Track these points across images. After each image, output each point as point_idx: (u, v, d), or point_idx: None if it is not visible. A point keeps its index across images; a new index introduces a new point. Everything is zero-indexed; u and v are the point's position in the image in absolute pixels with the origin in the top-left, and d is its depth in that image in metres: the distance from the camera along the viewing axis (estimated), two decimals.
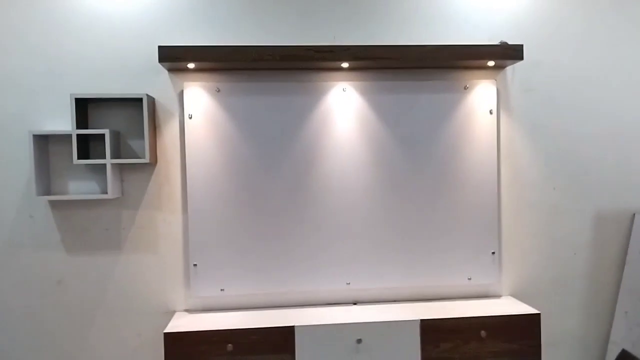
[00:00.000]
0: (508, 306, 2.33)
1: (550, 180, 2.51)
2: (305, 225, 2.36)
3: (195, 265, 2.32)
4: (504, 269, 2.49)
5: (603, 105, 2.52)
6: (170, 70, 2.29)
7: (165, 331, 2.10)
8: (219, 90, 2.29)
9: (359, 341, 2.14)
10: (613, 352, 2.49)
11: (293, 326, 2.13)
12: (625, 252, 2.55)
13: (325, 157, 2.36)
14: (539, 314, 2.23)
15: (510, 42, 2.37)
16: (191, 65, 2.20)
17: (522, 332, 2.22)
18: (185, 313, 2.34)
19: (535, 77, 2.47)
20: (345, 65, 2.26)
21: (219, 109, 2.30)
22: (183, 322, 2.21)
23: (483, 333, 2.19)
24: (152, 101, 2.27)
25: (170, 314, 2.35)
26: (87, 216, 2.30)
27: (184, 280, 2.36)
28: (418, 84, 2.38)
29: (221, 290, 2.33)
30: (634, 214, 2.55)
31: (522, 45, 2.26)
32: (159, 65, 2.27)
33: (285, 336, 2.12)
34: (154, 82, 2.30)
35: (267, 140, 2.34)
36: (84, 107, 2.24)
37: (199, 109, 2.29)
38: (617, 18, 2.52)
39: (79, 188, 2.29)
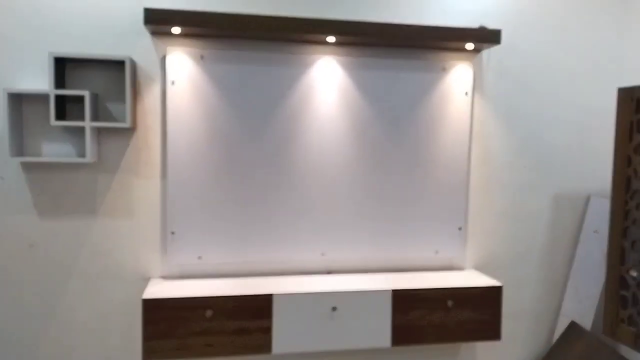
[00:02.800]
0: (472, 278, 2.47)
1: (517, 161, 2.65)
2: (284, 195, 2.41)
3: (173, 232, 2.32)
4: (468, 243, 2.63)
5: (570, 92, 2.67)
6: (153, 34, 2.24)
7: (143, 297, 2.10)
8: (203, 58, 2.27)
9: (334, 309, 2.22)
10: (563, 323, 2.69)
11: (271, 294, 2.18)
12: (579, 232, 2.74)
13: (307, 128, 2.40)
14: (501, 287, 2.38)
15: (488, 27, 2.46)
16: (176, 30, 2.16)
17: (485, 302, 2.37)
18: (161, 280, 2.35)
19: (509, 62, 2.58)
20: (331, 39, 2.29)
21: (202, 76, 2.28)
22: (160, 289, 2.22)
23: (450, 303, 2.32)
24: (133, 65, 2.22)
25: (145, 281, 2.35)
26: (61, 179, 2.25)
27: (161, 246, 2.36)
28: (399, 62, 2.44)
29: (198, 257, 2.35)
30: (589, 196, 2.74)
31: (500, 30, 2.35)
32: (142, 28, 2.22)
33: (263, 303, 2.18)
34: (136, 46, 2.25)
35: (250, 109, 2.34)
36: (61, 68, 2.17)
37: (182, 76, 2.26)
38: (590, 9, 2.65)
39: (53, 150, 2.23)
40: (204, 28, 2.15)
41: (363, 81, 2.42)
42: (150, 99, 2.29)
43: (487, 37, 2.35)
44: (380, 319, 2.27)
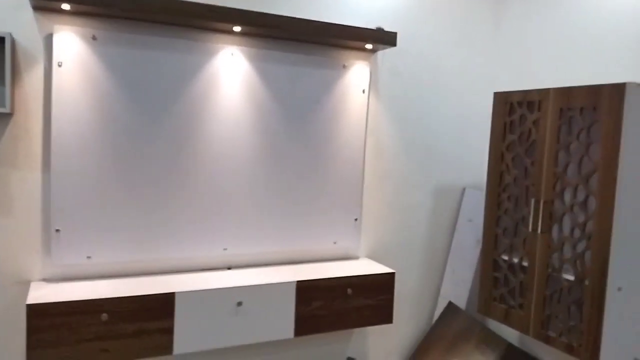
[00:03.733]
0: (368, 266, 2.61)
1: (405, 156, 2.84)
2: (183, 190, 2.31)
3: (57, 230, 2.10)
4: (363, 233, 2.76)
5: (451, 94, 2.92)
6: (37, 8, 1.99)
7: (27, 302, 1.88)
8: (95, 38, 2.07)
9: (240, 304, 2.20)
10: (442, 304, 2.97)
11: (173, 292, 2.09)
12: (455, 220, 3.03)
13: (208, 121, 2.32)
14: (394, 273, 2.55)
15: (384, 29, 2.60)
16: (66, 6, 1.94)
17: (380, 288, 2.52)
18: (44, 283, 2.12)
19: (401, 63, 2.75)
20: (237, 29, 2.23)
21: (94, 59, 2.08)
22: (46, 293, 2.00)
23: (349, 291, 2.43)
24: (13, 43, 1.95)
25: (23, 284, 2.10)
26: None
27: (43, 246, 2.12)
28: (303, 57, 2.46)
29: (88, 257, 2.16)
30: (464, 188, 3.03)
31: (396, 33, 2.49)
32: (23, 2, 1.96)
33: (164, 303, 2.08)
34: (14, 21, 1.98)
35: (147, 97, 2.20)
36: None
37: (70, 57, 2.04)
38: (469, 20, 2.92)
39: None
40: (97, 6, 1.96)
41: (267, 74, 2.40)
42: (31, 81, 2.04)
43: (385, 38, 2.47)
44: (284, 310, 2.29)
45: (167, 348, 2.10)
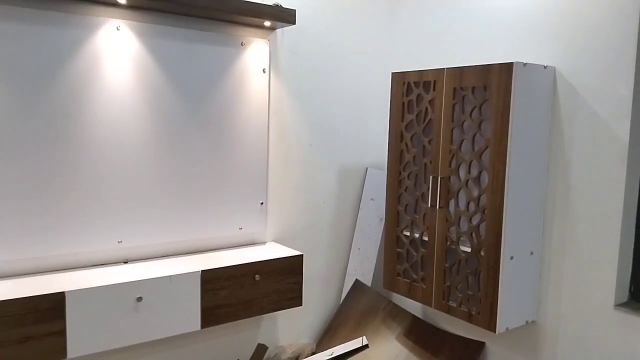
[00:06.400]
0: (275, 251, 2.56)
1: (308, 137, 2.81)
2: (69, 179, 2.10)
3: None
4: (269, 217, 2.71)
5: (353, 72, 2.93)
6: None
7: None
8: None
9: (140, 299, 2.06)
10: (349, 282, 3.01)
11: (63, 292, 1.90)
12: (359, 200, 3.07)
13: (94, 102, 2.12)
14: (302, 255, 2.53)
15: (282, 6, 2.52)
16: None
17: (289, 272, 2.48)
18: None
19: (301, 41, 2.70)
20: (122, 1, 2.05)
21: None
22: None
23: (257, 277, 2.37)
24: None
25: None
26: None
27: None
28: (198, 33, 2.32)
29: None
30: (367, 168, 3.08)
31: (295, 10, 2.43)
32: None
33: (53, 304, 1.89)
34: None
35: (21, 78, 1.96)
36: None
37: None
38: (367, 1, 2.94)
39: None
40: None
41: (159, 51, 2.24)
42: None
43: (283, 16, 2.40)
44: (189, 303, 2.19)
45: (60, 353, 1.92)
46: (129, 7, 2.14)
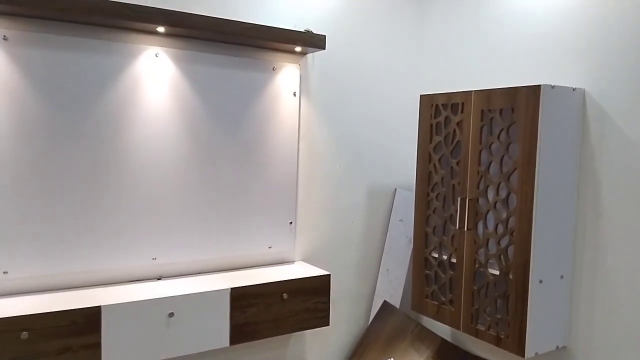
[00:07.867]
0: (303, 270, 2.60)
1: (337, 158, 2.86)
2: (108, 198, 2.20)
3: None
4: (298, 236, 2.75)
5: (382, 95, 2.98)
6: None
7: None
8: (6, 39, 1.94)
9: (171, 315, 2.12)
10: (377, 303, 3.01)
11: (99, 306, 1.99)
12: (388, 220, 3.09)
13: (133, 125, 2.23)
14: (329, 275, 2.56)
15: (313, 32, 2.61)
16: None
17: (316, 291, 2.52)
18: None
19: (331, 66, 2.77)
20: (160, 29, 2.16)
21: (6, 60, 1.95)
22: None
23: (285, 295, 2.41)
24: None
25: None
26: None
27: None
28: (232, 59, 2.42)
29: (4, 272, 2.01)
30: (396, 189, 3.10)
31: (325, 36, 2.51)
32: None
33: (90, 317, 1.97)
34: None
35: (65, 102, 2.08)
36: None
37: None
38: (394, 23, 2.99)
39: None
40: (7, 5, 1.84)
41: (195, 76, 2.35)
42: None
43: (314, 41, 2.48)
44: (218, 319, 2.24)
45: None
46: (167, 35, 2.26)
